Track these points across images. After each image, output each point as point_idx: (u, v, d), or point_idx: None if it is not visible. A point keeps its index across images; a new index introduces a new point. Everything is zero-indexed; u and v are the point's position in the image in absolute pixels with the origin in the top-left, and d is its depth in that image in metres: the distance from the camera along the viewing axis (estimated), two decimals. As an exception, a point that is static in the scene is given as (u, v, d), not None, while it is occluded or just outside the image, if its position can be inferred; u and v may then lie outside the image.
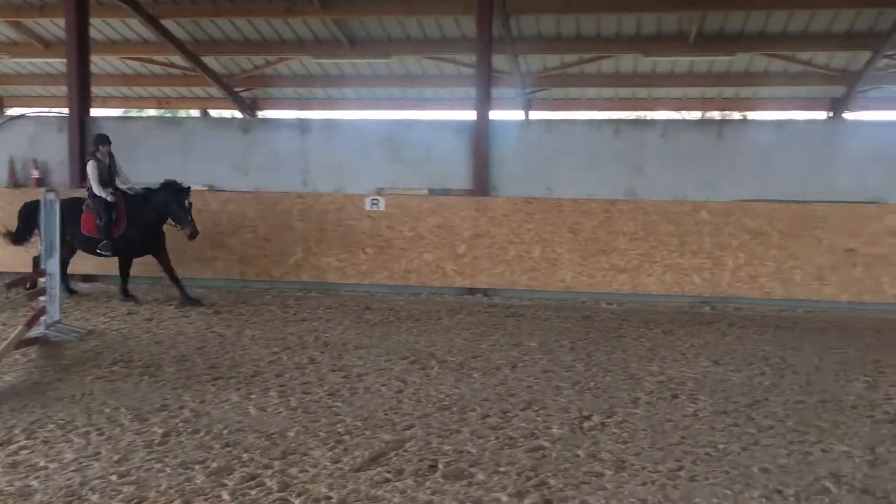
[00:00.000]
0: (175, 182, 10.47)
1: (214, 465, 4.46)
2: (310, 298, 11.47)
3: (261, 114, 21.88)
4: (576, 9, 14.98)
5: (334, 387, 6.29)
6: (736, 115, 21.40)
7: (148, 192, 10.58)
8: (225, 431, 5.08)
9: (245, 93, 21.03)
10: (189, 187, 10.56)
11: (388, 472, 4.38)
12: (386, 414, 5.52)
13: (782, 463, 4.61)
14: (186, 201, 10.39)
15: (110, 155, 10.64)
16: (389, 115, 20.13)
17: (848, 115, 18.56)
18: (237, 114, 21.33)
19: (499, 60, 16.23)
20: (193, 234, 10.43)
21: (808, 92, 19.07)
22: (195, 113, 23.98)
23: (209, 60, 18.61)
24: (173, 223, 10.52)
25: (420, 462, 4.53)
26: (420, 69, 19.00)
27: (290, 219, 12.27)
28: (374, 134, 12.54)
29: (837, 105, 18.67)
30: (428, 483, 4.22)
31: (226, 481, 4.22)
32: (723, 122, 14.65)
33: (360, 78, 19.71)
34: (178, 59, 18.22)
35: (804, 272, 11.33)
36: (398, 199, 12.17)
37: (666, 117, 18.27)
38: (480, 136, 12.09)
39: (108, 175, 10.61)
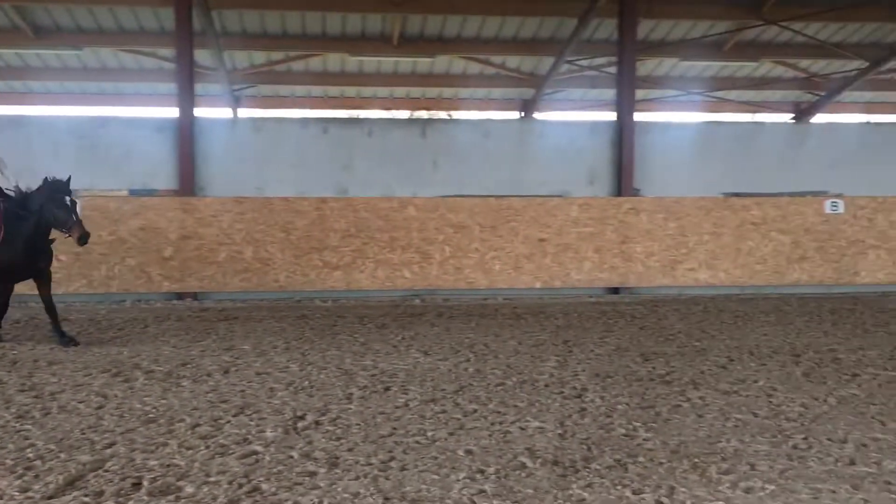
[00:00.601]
0: (52, 180, 8.26)
1: None
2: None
3: (-73, 109, 19.32)
4: (278, 5, 14.85)
5: (23, 408, 5.72)
6: (443, 115, 22.45)
7: (24, 197, 8.32)
8: None
9: None
10: (69, 178, 8.32)
11: (86, 495, 4.05)
12: (84, 433, 5.11)
13: (485, 444, 4.90)
14: (68, 199, 8.19)
15: None
16: (83, 112, 18.71)
17: (537, 116, 20.16)
18: None
19: (202, 56, 15.69)
20: (83, 238, 8.15)
21: (503, 94, 20.50)
22: None
23: None
24: (58, 228, 8.25)
25: (122, 481, 4.25)
26: (117, 62, 17.81)
27: (-33, 226, 10.98)
28: (66, 132, 11.67)
29: (528, 106, 20.23)
30: (131, 503, 3.97)
31: None
32: (427, 121, 15.29)
33: (49, 70, 18.05)
34: None
35: (503, 262, 12.18)
36: (95, 201, 11.37)
37: (374, 116, 18.72)
38: (185, 134, 11.67)
39: None
